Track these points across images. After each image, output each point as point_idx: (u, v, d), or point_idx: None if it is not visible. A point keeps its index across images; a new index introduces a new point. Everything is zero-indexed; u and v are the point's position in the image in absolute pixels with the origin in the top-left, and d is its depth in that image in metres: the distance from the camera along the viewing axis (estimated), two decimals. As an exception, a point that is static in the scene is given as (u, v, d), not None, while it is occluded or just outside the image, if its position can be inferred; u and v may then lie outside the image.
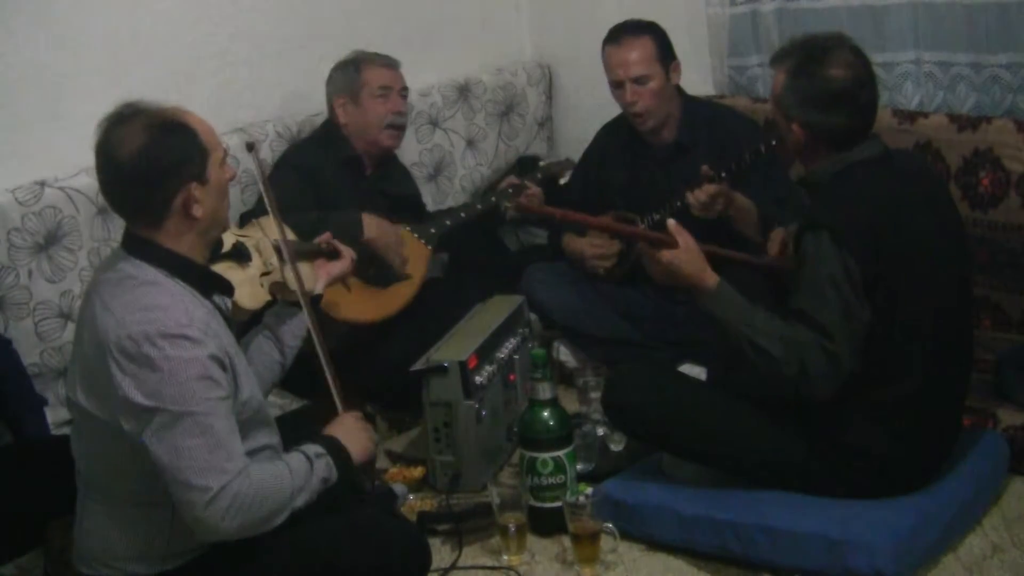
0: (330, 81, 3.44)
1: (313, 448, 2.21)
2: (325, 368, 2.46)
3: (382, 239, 3.23)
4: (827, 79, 2.42)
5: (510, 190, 3.64)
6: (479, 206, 3.64)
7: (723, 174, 3.10)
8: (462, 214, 3.59)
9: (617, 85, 3.35)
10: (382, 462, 3.08)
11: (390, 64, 3.45)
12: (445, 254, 3.80)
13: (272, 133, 3.52)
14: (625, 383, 2.70)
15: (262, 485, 2.04)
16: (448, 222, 3.54)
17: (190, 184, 2.06)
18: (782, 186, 3.23)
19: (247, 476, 2.01)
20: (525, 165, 4.11)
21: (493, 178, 4.15)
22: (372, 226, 3.21)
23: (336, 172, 3.35)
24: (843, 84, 2.42)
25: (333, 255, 2.76)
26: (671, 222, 2.60)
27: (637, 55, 3.30)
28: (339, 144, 3.40)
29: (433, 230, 3.48)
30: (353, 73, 3.40)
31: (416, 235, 3.42)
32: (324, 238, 2.76)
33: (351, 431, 2.32)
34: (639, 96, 3.32)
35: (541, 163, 3.96)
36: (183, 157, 2.05)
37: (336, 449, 2.24)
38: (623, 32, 3.36)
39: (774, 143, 2.95)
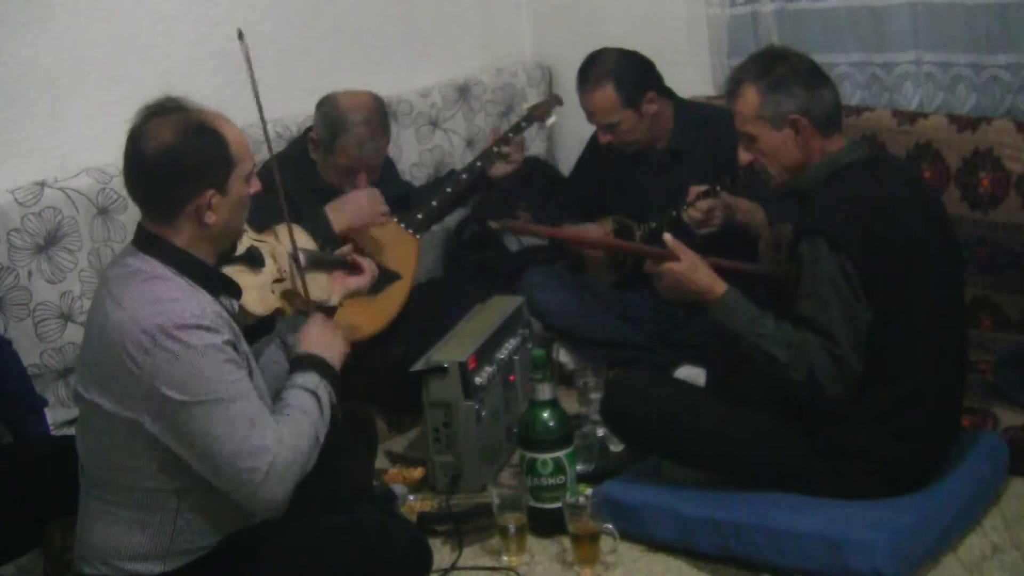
0: (316, 109, 3.26)
1: (309, 379, 2.23)
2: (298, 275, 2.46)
3: (353, 216, 3.12)
4: (796, 63, 2.50)
5: (495, 149, 3.47)
6: (464, 176, 3.48)
7: (718, 188, 3.09)
8: (448, 188, 3.46)
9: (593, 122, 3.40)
10: (382, 462, 3.08)
11: (368, 141, 3.19)
12: (437, 226, 3.73)
13: (272, 133, 3.49)
14: (623, 391, 2.70)
15: (298, 445, 2.08)
16: (435, 202, 3.42)
17: (208, 191, 2.06)
18: None
19: (283, 445, 2.05)
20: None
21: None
22: (339, 217, 3.10)
23: (313, 191, 3.24)
24: (810, 63, 2.50)
25: (353, 268, 2.75)
26: (667, 237, 2.58)
27: (599, 106, 3.31)
28: (313, 172, 3.27)
29: (420, 215, 3.39)
30: (329, 136, 3.18)
31: (403, 224, 3.35)
32: (345, 250, 2.73)
33: (324, 341, 2.34)
34: (612, 136, 3.35)
35: (526, 105, 3.76)
36: (207, 162, 2.05)
37: (325, 369, 2.27)
38: (586, 79, 3.33)
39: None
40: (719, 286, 2.53)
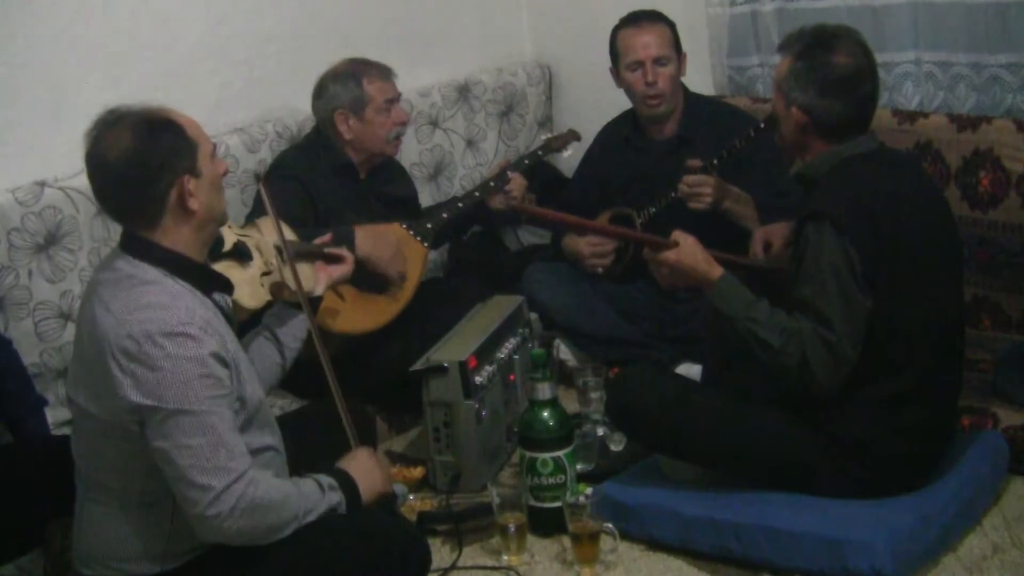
0: (326, 95, 3.32)
1: (327, 480, 2.21)
2: (329, 378, 2.44)
3: (376, 253, 3.12)
4: (830, 64, 2.45)
5: (492, 183, 3.55)
6: (477, 194, 3.54)
7: (715, 161, 3.17)
8: (460, 204, 3.52)
9: (636, 66, 3.41)
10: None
11: (389, 75, 3.37)
12: (446, 243, 3.77)
13: (272, 133, 3.51)
14: (627, 386, 2.70)
15: (269, 494, 2.04)
16: (445, 215, 3.47)
17: (183, 177, 2.06)
18: (782, 180, 3.25)
19: (253, 482, 2.02)
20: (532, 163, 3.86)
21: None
22: (366, 242, 3.09)
23: (329, 180, 3.29)
24: (845, 71, 2.45)
25: (334, 259, 2.75)
26: (676, 231, 2.62)
27: (657, 38, 3.40)
28: (331, 152, 3.33)
29: (430, 225, 3.42)
30: (355, 88, 3.29)
31: (412, 233, 3.37)
32: (325, 239, 2.74)
33: (365, 469, 2.32)
34: (658, 76, 3.39)
35: (544, 136, 3.88)
36: (173, 150, 2.05)
37: (348, 487, 2.24)
38: (642, 17, 3.46)
39: (762, 124, 3.00)
40: (716, 271, 2.55)
